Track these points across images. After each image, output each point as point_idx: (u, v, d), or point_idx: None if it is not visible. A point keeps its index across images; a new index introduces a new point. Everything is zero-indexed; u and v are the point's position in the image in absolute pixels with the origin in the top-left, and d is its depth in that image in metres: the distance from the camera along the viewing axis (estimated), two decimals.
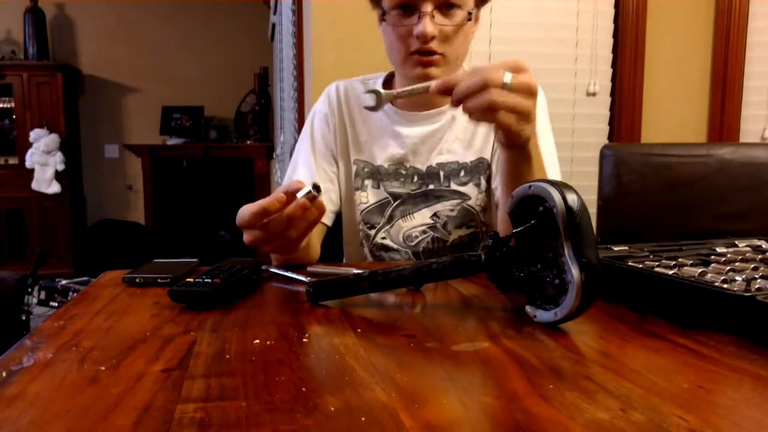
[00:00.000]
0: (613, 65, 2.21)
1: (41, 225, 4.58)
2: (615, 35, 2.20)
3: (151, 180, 4.88)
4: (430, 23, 0.90)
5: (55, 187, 4.51)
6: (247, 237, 0.73)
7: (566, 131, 2.19)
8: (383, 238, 1.05)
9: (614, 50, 2.20)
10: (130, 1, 4.91)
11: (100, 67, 4.97)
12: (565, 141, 2.18)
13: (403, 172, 1.05)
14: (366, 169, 1.06)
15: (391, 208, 1.04)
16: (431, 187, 1.04)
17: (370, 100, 0.82)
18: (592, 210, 0.73)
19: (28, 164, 4.43)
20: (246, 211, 0.71)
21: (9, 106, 4.54)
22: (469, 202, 1.04)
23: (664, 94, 2.23)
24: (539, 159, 0.82)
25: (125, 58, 4.97)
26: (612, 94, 2.23)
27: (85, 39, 4.94)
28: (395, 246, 1.05)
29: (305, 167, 1.06)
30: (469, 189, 1.04)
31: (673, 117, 2.24)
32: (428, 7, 0.90)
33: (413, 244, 1.04)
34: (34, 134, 4.41)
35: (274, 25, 4.05)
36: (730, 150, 1.26)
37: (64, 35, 4.90)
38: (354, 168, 1.06)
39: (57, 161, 4.46)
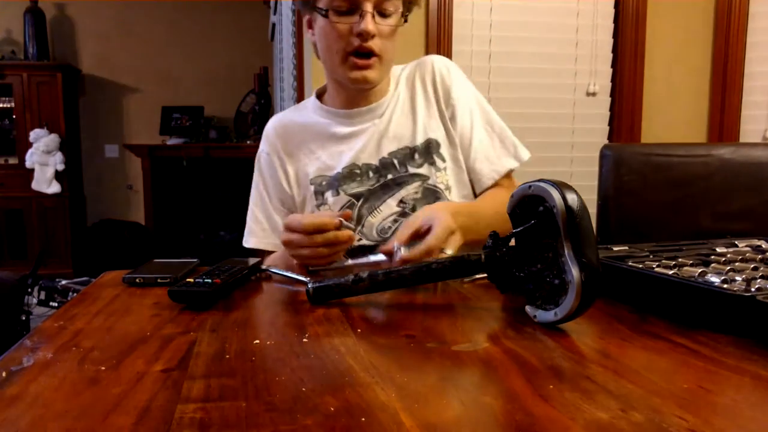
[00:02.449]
0: (613, 65, 2.21)
1: (41, 225, 4.57)
2: (615, 35, 2.20)
3: (151, 180, 4.87)
4: (371, 21, 0.94)
5: (55, 187, 4.51)
6: (287, 237, 0.83)
7: (566, 131, 2.19)
8: (359, 240, 1.05)
9: (614, 50, 2.20)
10: (130, 2, 4.91)
11: (100, 67, 4.97)
12: (565, 141, 2.18)
13: (358, 171, 1.05)
14: (324, 183, 1.06)
15: (356, 209, 1.05)
16: (390, 176, 1.05)
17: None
18: (592, 210, 0.73)
19: (28, 164, 4.43)
20: (303, 218, 0.83)
21: (9, 106, 4.54)
22: (429, 182, 1.04)
23: (664, 94, 2.23)
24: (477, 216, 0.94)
25: (125, 58, 4.97)
26: (612, 94, 2.23)
27: (85, 39, 4.93)
28: (372, 243, 1.05)
29: (260, 209, 1.11)
30: (425, 170, 1.05)
31: (673, 117, 2.24)
32: (369, 7, 0.94)
33: (388, 235, 1.04)
34: (34, 134, 4.41)
35: (274, 25, 4.05)
36: (730, 150, 1.26)
37: (64, 35, 4.90)
38: (312, 188, 1.07)
39: (57, 161, 4.46)
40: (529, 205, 0.61)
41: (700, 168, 1.25)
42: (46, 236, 4.57)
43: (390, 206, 1.04)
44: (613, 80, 2.22)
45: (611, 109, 2.24)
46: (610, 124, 2.24)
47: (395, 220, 1.04)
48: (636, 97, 2.21)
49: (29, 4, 4.56)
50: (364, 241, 1.05)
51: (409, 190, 1.04)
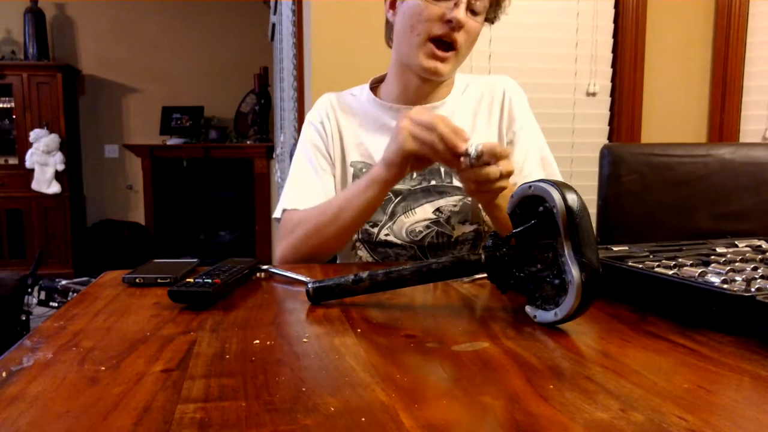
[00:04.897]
0: (613, 65, 2.21)
1: (41, 225, 4.58)
2: (615, 35, 2.19)
3: (151, 180, 4.88)
4: (464, 11, 0.93)
5: (55, 187, 4.51)
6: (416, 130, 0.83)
7: (566, 131, 2.19)
8: (386, 234, 1.05)
9: (614, 50, 2.20)
10: (129, 1, 4.91)
11: (100, 67, 4.97)
12: (565, 141, 2.17)
13: None
14: (364, 170, 1.06)
15: (392, 204, 1.05)
16: (433, 182, 1.05)
17: None
18: (592, 210, 0.73)
19: (28, 164, 4.43)
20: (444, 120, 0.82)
21: (9, 106, 4.54)
22: (469, 199, 1.04)
23: (664, 94, 2.23)
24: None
25: (125, 58, 4.97)
26: (612, 94, 2.23)
27: (85, 39, 4.93)
28: (399, 242, 1.05)
29: (305, 176, 1.07)
30: None
31: (673, 117, 2.24)
32: None
33: (418, 239, 1.04)
34: (34, 134, 4.41)
35: (274, 25, 4.05)
36: (730, 150, 1.26)
37: (64, 35, 4.90)
38: (351, 170, 1.07)
39: (57, 161, 4.46)
40: (529, 205, 0.61)
41: (699, 168, 1.25)
42: (46, 236, 4.57)
43: (426, 211, 1.04)
44: (613, 80, 2.22)
45: (611, 109, 2.23)
46: (610, 124, 2.24)
47: (427, 226, 1.04)
48: (636, 97, 2.20)
49: (29, 4, 4.57)
50: (392, 238, 1.05)
51: (449, 201, 1.04)
